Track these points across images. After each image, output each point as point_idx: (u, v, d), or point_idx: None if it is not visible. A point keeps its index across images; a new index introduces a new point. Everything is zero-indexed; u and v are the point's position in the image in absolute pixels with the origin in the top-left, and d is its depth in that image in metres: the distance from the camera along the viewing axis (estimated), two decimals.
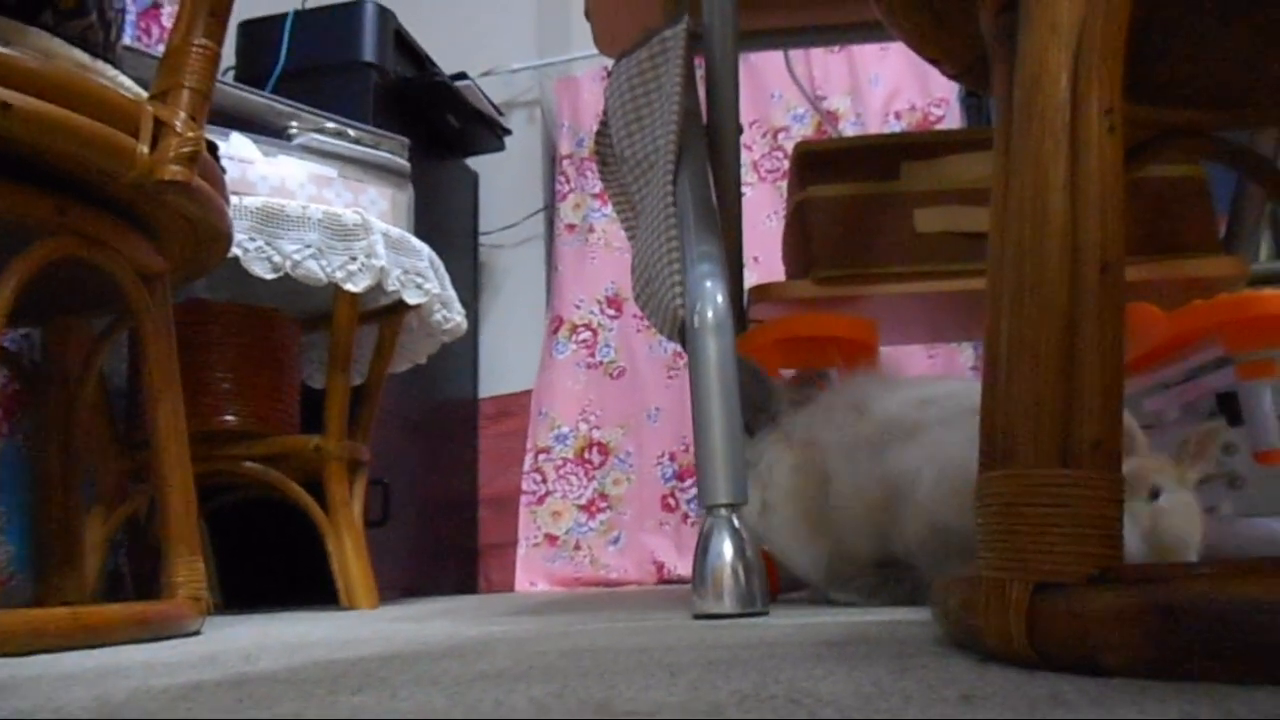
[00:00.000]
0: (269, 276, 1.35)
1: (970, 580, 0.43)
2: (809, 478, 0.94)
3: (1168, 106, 0.71)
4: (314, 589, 1.56)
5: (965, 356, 2.26)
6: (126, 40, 1.46)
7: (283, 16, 2.07)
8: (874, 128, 2.41)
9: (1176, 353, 1.10)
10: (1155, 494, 0.72)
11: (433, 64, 2.24)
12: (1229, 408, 1.06)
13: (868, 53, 2.46)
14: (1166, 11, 0.60)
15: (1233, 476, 1.07)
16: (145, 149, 0.89)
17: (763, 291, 1.23)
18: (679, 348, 1.07)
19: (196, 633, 0.93)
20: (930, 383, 0.94)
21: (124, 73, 0.95)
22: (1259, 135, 1.09)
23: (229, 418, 1.44)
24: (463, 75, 2.22)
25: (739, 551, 0.83)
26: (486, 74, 2.55)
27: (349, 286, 1.39)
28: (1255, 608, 0.30)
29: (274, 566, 1.77)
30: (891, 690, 0.35)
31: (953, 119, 2.39)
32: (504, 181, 2.62)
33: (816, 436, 0.94)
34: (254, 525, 1.73)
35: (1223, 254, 1.15)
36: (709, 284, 0.93)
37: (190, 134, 0.93)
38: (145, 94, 0.93)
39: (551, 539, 2.40)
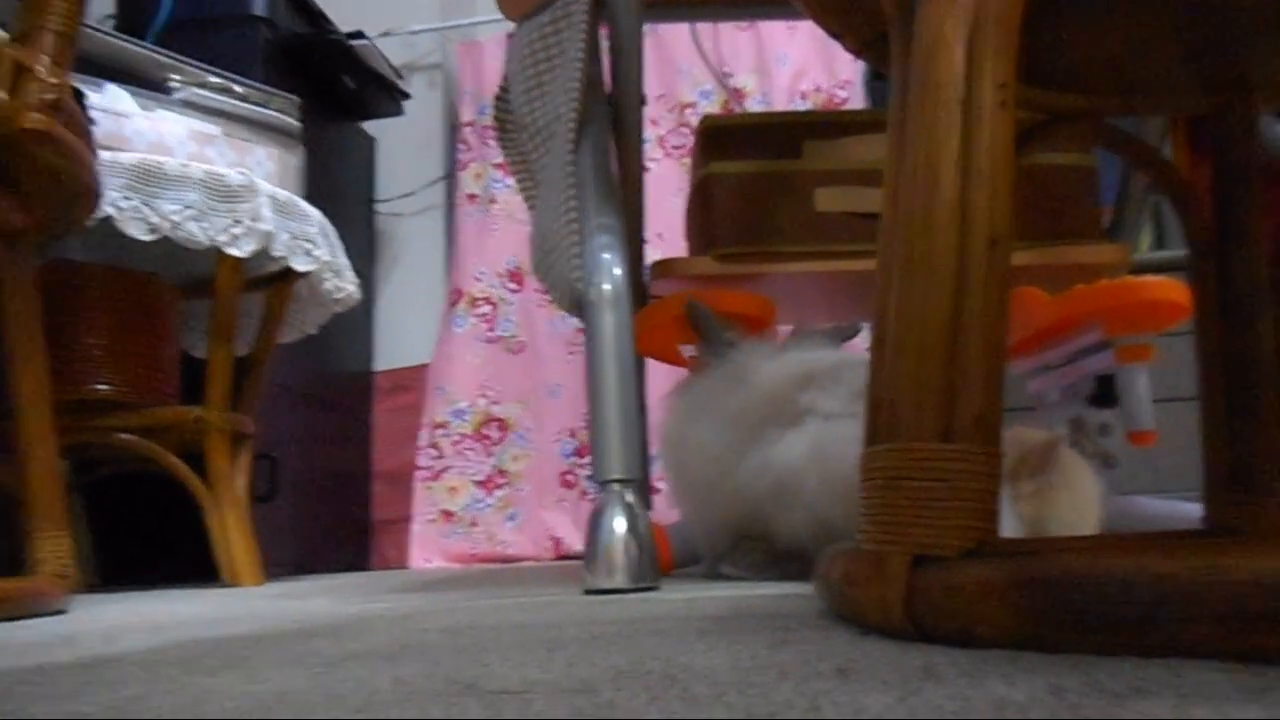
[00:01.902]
0: (146, 238, 1.27)
1: (851, 553, 0.42)
2: (705, 446, 0.94)
3: (1059, 91, 0.72)
4: (197, 566, 1.50)
5: (861, 337, 2.30)
6: None
7: None
8: (780, 106, 2.42)
9: (1059, 336, 1.13)
10: None
11: (328, 21, 2.15)
12: (1106, 390, 1.10)
13: (775, 31, 2.47)
14: None
15: (1107, 456, 1.12)
16: (3, 94, 0.83)
17: (664, 267, 1.22)
18: (580, 323, 1.06)
19: (61, 612, 0.88)
20: (813, 354, 0.94)
21: None
22: (1145, 124, 1.13)
23: (101, 386, 1.37)
24: (360, 34, 2.14)
25: (631, 527, 0.82)
26: (385, 34, 2.47)
27: (232, 251, 1.33)
28: (1121, 581, 0.30)
29: (154, 543, 1.70)
30: (769, 664, 0.34)
31: (857, 101, 2.42)
32: (403, 148, 2.55)
33: (711, 404, 0.94)
34: (133, 500, 1.66)
35: (1107, 241, 1.19)
36: (606, 256, 0.92)
37: (53, 80, 0.87)
38: (4, 35, 0.86)
39: (448, 515, 2.36)
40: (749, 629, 0.46)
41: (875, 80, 2.44)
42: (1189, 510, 1.05)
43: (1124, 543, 0.47)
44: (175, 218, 1.28)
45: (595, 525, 0.83)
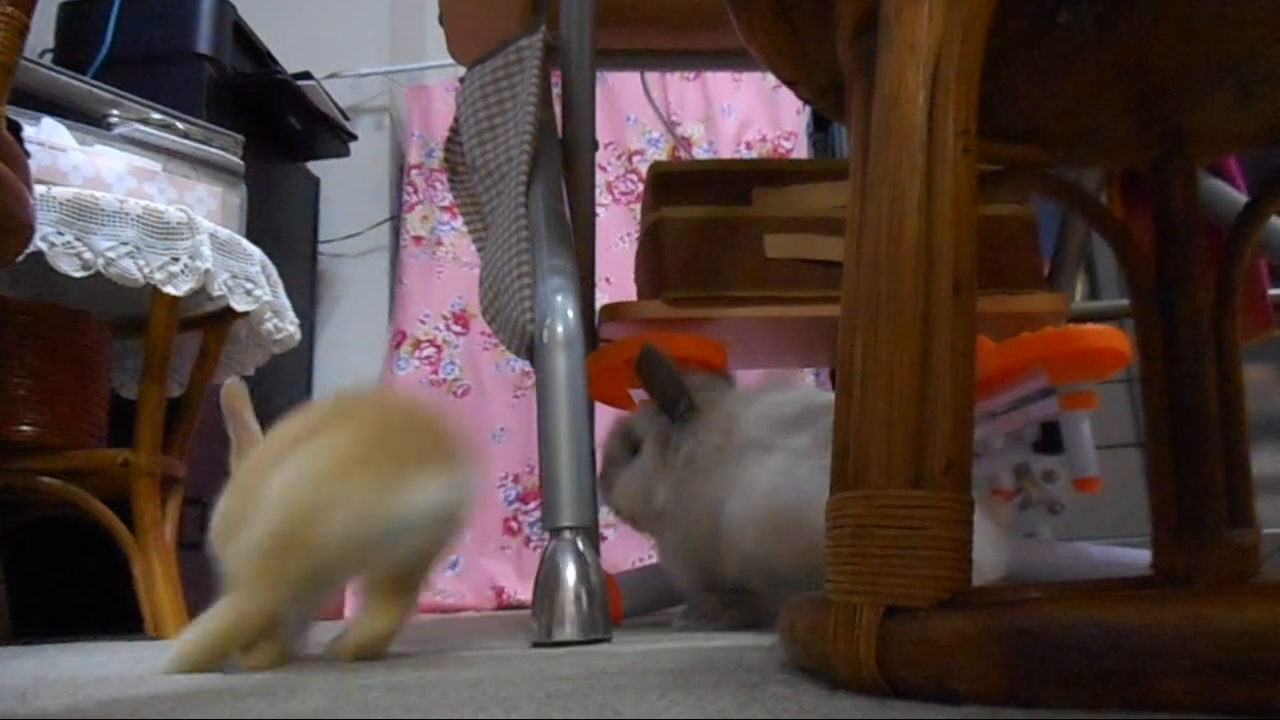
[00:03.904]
0: (78, 274, 1.23)
1: (818, 604, 0.41)
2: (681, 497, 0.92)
3: (1007, 142, 0.73)
4: (120, 617, 1.43)
5: (807, 383, 2.31)
6: None
7: (109, 0, 1.92)
8: (726, 155, 2.46)
9: (1004, 383, 1.15)
10: None
11: (274, 61, 2.13)
12: (1051, 436, 1.12)
13: (722, 83, 2.51)
14: (1010, 48, 0.62)
15: (1053, 503, 1.13)
16: None
17: (614, 310, 1.22)
18: (527, 366, 1.04)
19: None
20: (791, 395, 0.93)
21: None
22: (1083, 175, 1.16)
23: (25, 427, 1.31)
24: (307, 75, 2.12)
25: (582, 576, 0.80)
26: (333, 76, 2.45)
27: (169, 289, 1.29)
28: (1104, 632, 0.30)
29: (75, 592, 1.62)
30: None
31: (800, 151, 2.46)
32: (348, 189, 2.52)
33: (694, 455, 0.92)
34: (52, 546, 1.58)
35: (1047, 290, 1.21)
36: (559, 298, 0.91)
37: None
38: None
39: None
40: (711, 683, 0.45)
41: (817, 131, 2.49)
42: (1135, 556, 1.06)
43: (1090, 591, 0.47)
44: (110, 254, 1.24)
45: (545, 574, 0.81)
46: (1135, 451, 1.89)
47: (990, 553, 0.79)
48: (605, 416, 1.31)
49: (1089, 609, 0.30)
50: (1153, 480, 0.73)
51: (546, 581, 0.80)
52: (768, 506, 0.81)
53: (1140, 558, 0.83)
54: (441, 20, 1.35)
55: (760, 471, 0.84)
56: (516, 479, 2.34)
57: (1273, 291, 1.24)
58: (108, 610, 1.53)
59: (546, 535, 0.84)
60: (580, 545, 0.82)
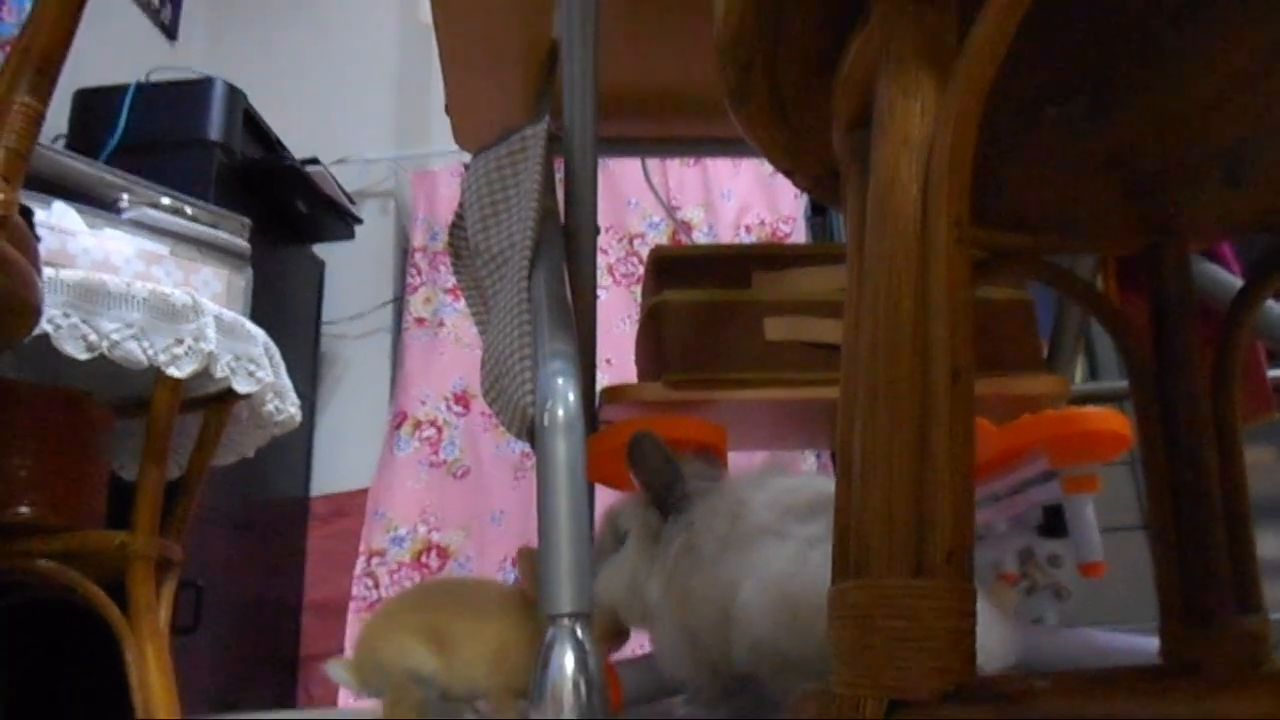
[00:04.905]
0: (82, 357, 1.24)
1: (823, 696, 0.41)
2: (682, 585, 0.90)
3: (1001, 229, 0.74)
4: (111, 702, 1.40)
5: (808, 465, 2.31)
6: None
7: (123, 88, 1.98)
8: (726, 239, 2.49)
9: (1006, 466, 1.14)
10: None
11: (283, 147, 2.18)
12: (1055, 520, 1.11)
13: (721, 168, 2.56)
14: (1001, 140, 0.63)
15: (1059, 588, 1.11)
16: None
17: (615, 393, 1.22)
18: (527, 448, 1.05)
19: None
20: (798, 481, 0.93)
21: None
22: (1078, 260, 1.18)
23: (23, 509, 1.30)
24: (315, 161, 2.17)
25: (580, 664, 0.79)
26: (340, 161, 2.50)
27: (172, 371, 1.30)
28: None
29: (65, 676, 1.59)
30: None
31: (799, 235, 2.50)
32: (353, 271, 2.55)
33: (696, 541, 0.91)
34: (40, 628, 1.56)
35: (1047, 373, 1.22)
36: (560, 381, 0.91)
37: (1, 196, 0.85)
38: None
39: None
40: None
41: (816, 216, 2.54)
42: (1143, 644, 1.04)
43: (1098, 683, 0.46)
44: (115, 336, 1.25)
45: (543, 662, 0.79)
46: (1141, 535, 1.87)
47: (997, 641, 0.78)
48: (606, 499, 1.30)
49: (1097, 703, 0.30)
50: (1158, 566, 0.72)
51: (544, 670, 0.79)
52: (783, 593, 0.80)
53: (1148, 645, 0.81)
54: (448, 109, 1.39)
55: (774, 558, 0.83)
56: (515, 563, 2.31)
57: (1272, 373, 1.24)
58: (99, 695, 1.50)
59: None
60: (579, 633, 0.80)
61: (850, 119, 0.55)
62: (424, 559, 2.33)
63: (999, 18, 0.42)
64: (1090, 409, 1.06)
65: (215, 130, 1.95)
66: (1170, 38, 0.58)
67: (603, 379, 1.35)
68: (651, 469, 0.92)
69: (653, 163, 2.53)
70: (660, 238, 2.56)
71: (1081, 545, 1.07)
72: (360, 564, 2.31)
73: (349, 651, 2.22)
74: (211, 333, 1.34)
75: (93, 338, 1.25)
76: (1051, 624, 1.17)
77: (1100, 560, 1.05)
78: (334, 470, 2.42)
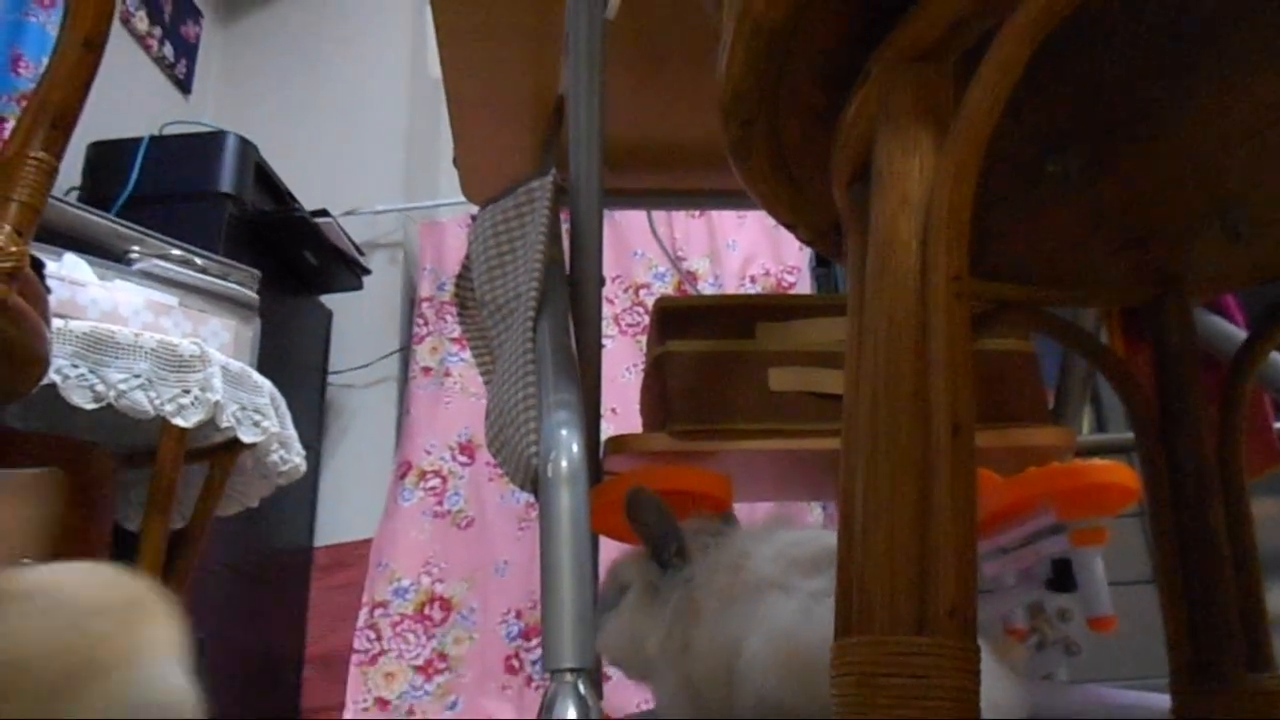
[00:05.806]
0: (89, 407, 1.25)
1: None
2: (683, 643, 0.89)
3: (1002, 281, 0.75)
4: None
5: (815, 516, 2.29)
6: None
7: (137, 141, 2.01)
8: (731, 289, 2.51)
9: (1013, 519, 1.13)
10: None
11: (293, 199, 2.21)
12: (1064, 574, 1.10)
13: (726, 219, 2.58)
14: (1000, 194, 0.64)
15: (1070, 643, 1.10)
16: None
17: (619, 443, 1.22)
18: (532, 498, 1.04)
19: None
20: (803, 534, 0.92)
21: None
22: (1082, 311, 1.18)
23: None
24: (324, 212, 2.19)
25: None
26: (349, 213, 2.53)
27: (178, 421, 1.30)
28: None
29: None
30: None
31: (804, 285, 2.51)
32: (360, 321, 2.57)
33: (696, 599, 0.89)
34: None
35: (1053, 424, 1.21)
36: (564, 433, 0.91)
37: (13, 248, 0.86)
38: None
39: (382, 703, 2.22)
40: None
41: (820, 266, 2.55)
42: (1154, 701, 1.03)
43: None
44: (121, 386, 1.26)
45: (545, 718, 0.78)
46: (1151, 588, 1.85)
47: (1006, 698, 0.77)
48: (610, 550, 1.29)
49: None
50: (1168, 622, 0.71)
51: None
52: (788, 648, 0.79)
53: (1160, 702, 0.80)
54: (456, 161, 1.40)
55: (779, 612, 0.82)
56: (519, 614, 2.29)
57: (1279, 425, 1.24)
58: None
59: (548, 675, 0.82)
60: (581, 688, 0.80)
61: (851, 174, 0.55)
62: (427, 610, 2.31)
63: (996, 75, 0.43)
64: (1096, 462, 1.05)
65: (227, 182, 1.98)
66: (1170, 89, 0.58)
67: (608, 429, 1.35)
68: (647, 523, 0.92)
69: (659, 214, 2.55)
70: (665, 288, 2.57)
71: (1090, 599, 1.05)
72: (363, 615, 2.29)
73: (349, 706, 2.19)
74: (218, 382, 1.35)
75: (100, 388, 1.25)
76: (1061, 680, 1.15)
77: (1110, 614, 1.04)
78: (338, 520, 2.41)
